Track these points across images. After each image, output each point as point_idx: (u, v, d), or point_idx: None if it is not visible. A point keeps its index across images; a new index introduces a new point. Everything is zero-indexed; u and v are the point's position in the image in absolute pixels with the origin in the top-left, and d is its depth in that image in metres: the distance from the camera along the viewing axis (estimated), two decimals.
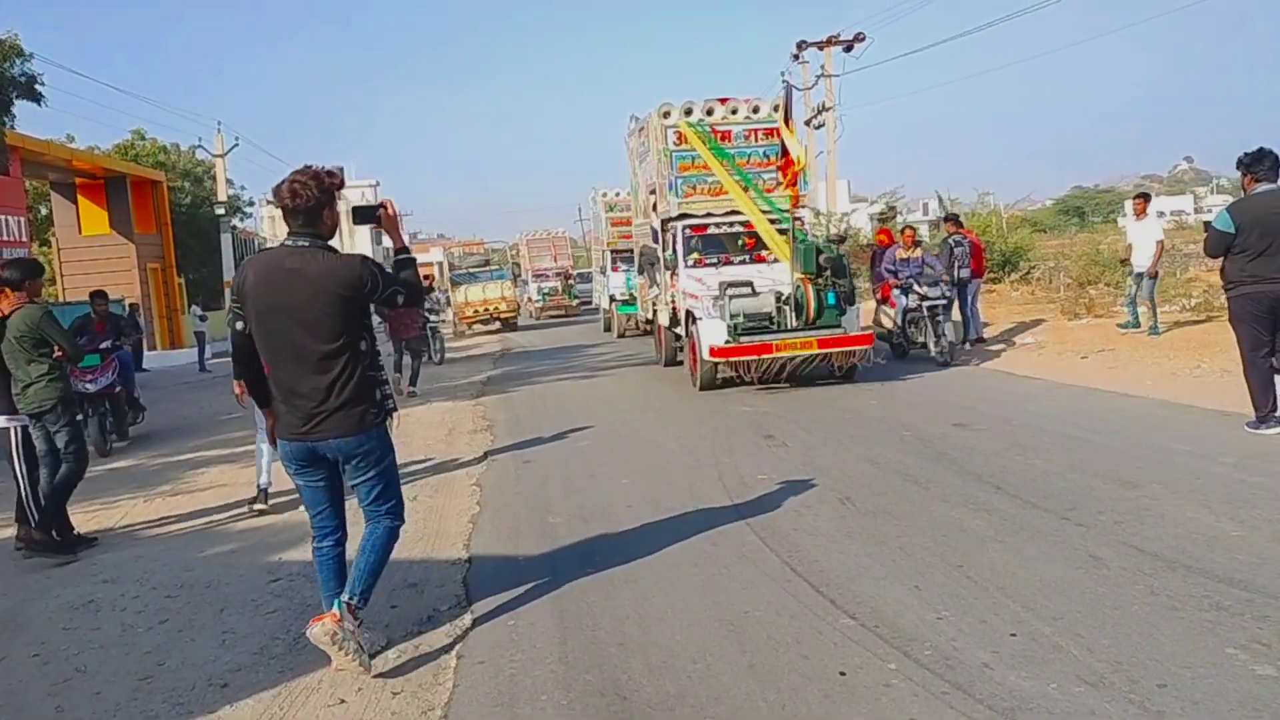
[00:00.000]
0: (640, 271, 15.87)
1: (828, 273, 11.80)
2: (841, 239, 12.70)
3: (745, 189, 12.42)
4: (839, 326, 11.61)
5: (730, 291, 11.74)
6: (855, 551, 5.32)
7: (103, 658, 4.71)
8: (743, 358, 11.27)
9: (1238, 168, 7.33)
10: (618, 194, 22.68)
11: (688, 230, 12.74)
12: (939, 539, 5.38)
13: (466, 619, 4.77)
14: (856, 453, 7.75)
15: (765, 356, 11.26)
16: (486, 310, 29.85)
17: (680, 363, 13.89)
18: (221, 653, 4.61)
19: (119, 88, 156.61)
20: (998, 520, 5.64)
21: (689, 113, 12.56)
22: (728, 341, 11.33)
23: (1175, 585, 4.45)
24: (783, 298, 11.80)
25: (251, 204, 48.25)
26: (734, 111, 12.64)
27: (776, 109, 12.57)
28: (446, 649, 4.42)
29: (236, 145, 35.31)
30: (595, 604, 4.85)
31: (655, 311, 14.95)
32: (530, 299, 35.86)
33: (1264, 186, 7.09)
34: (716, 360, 11.48)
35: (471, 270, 30.90)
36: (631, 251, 22.91)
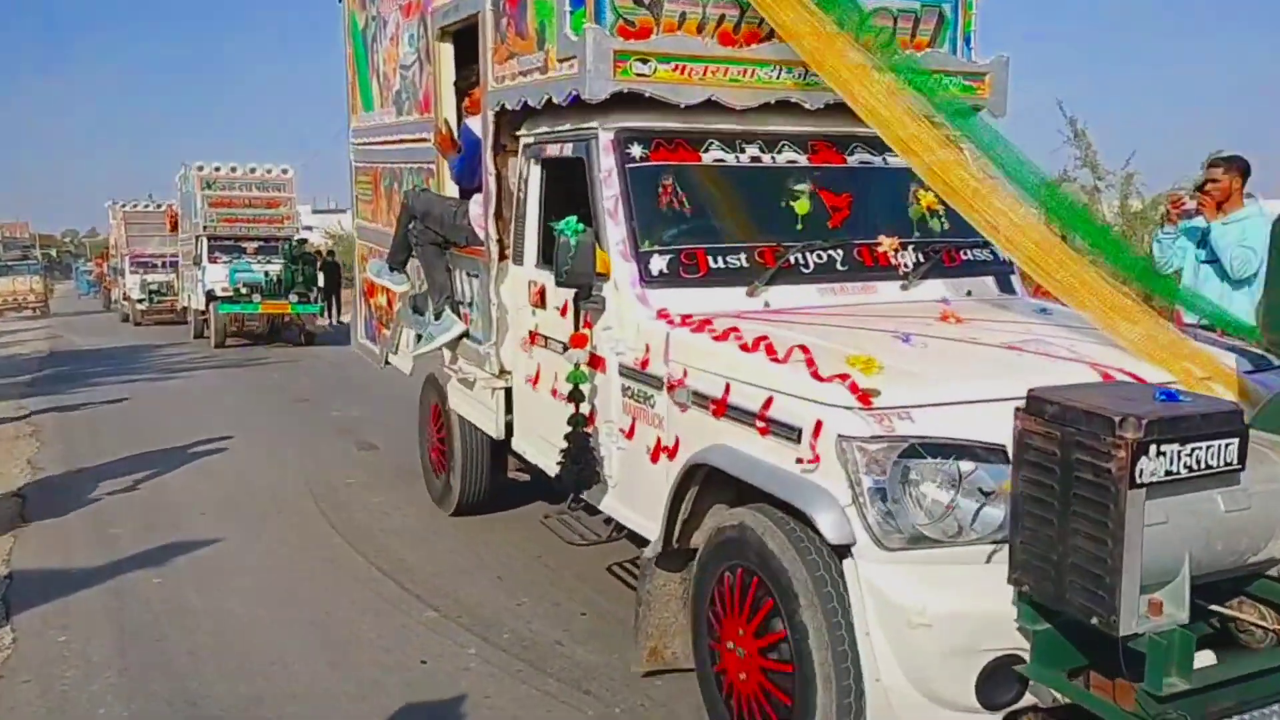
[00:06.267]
0: (395, 264, 5.76)
1: None
2: None
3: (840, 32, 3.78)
4: None
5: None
6: (442, 548, 5.47)
7: None
8: None
9: None
10: (217, 169, 19.37)
11: (638, 151, 4.01)
12: (523, 534, 5.66)
13: (6, 637, 4.28)
14: None
15: None
16: (15, 300, 32.62)
17: (468, 508, 5.83)
18: None
19: None
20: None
21: None
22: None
23: None
24: None
25: None
26: None
27: None
28: None
29: None
30: (161, 614, 4.56)
31: (448, 380, 5.73)
32: (128, 296, 25.73)
33: None
34: None
35: (8, 263, 34.90)
36: (237, 240, 19.07)
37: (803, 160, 4.20)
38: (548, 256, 4.19)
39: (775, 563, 2.88)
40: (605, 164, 3.96)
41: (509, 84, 4.50)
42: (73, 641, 4.23)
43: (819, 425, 2.83)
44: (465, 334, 5.24)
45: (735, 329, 3.39)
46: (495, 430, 5.01)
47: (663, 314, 3.67)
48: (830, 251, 4.03)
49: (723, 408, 3.22)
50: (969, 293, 4.14)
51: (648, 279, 3.79)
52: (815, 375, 2.97)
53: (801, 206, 4.05)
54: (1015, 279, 4.34)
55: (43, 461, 8.12)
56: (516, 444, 4.94)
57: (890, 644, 2.66)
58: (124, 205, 28.77)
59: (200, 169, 19.43)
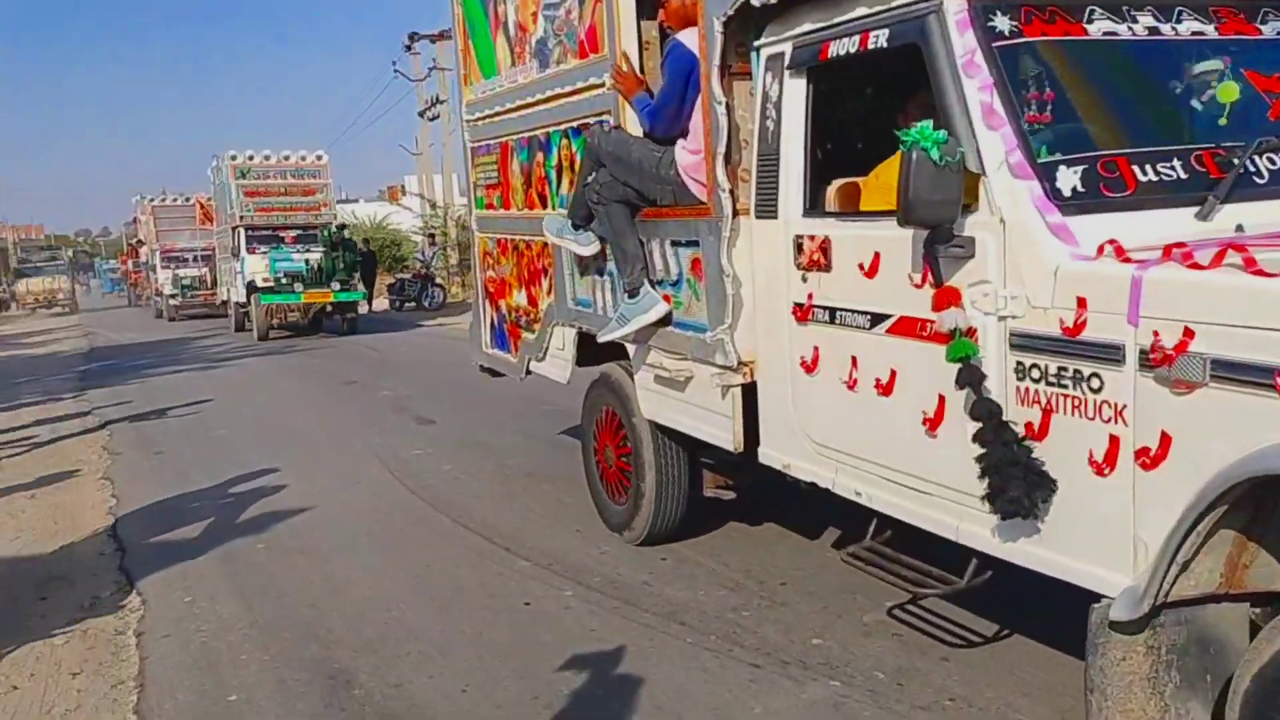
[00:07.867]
0: (578, 219, 4.64)
1: None
2: None
3: None
4: None
5: None
6: (519, 507, 5.81)
7: None
8: None
9: None
10: (251, 156, 19.43)
11: (1004, 24, 2.88)
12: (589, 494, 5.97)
13: (135, 601, 4.64)
14: (507, 426, 8.21)
15: None
16: (47, 297, 38.18)
17: (660, 536, 4.87)
18: None
19: None
20: None
21: None
22: None
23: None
24: None
25: None
26: None
27: None
28: (120, 630, 4.30)
29: None
30: (275, 575, 4.92)
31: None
32: (160, 291, 26.48)
33: None
34: None
35: (39, 265, 41.48)
36: (274, 230, 18.99)
37: (1211, 32, 3.08)
38: (815, 201, 3.49)
39: None
40: (962, 45, 2.82)
41: None
42: (198, 601, 4.58)
43: None
44: (669, 317, 4.31)
45: None
46: (731, 440, 3.99)
47: (1115, 248, 2.53)
48: None
49: None
50: None
51: (1059, 201, 2.67)
52: None
53: (1226, 93, 2.93)
54: None
55: (116, 445, 8.51)
56: (766, 455, 3.90)
57: None
58: (152, 200, 28.59)
59: (234, 158, 19.41)
